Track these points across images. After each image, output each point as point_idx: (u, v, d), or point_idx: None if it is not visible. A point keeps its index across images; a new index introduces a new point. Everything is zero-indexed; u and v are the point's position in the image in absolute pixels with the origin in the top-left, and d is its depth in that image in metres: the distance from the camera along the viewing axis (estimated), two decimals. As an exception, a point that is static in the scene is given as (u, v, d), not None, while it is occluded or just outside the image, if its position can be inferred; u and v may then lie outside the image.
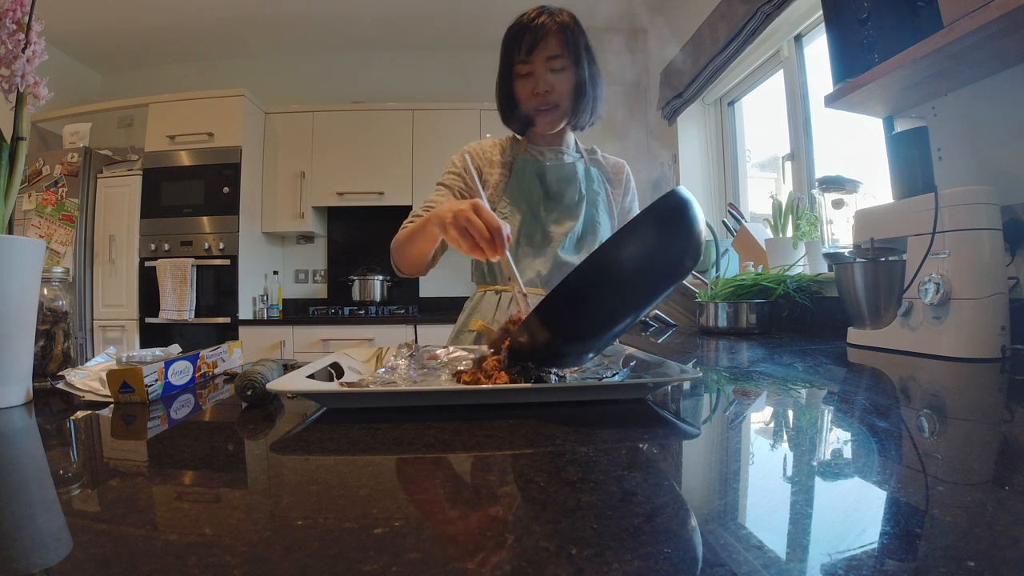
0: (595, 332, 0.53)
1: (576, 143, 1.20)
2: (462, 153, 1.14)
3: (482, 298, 1.14)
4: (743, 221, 1.99)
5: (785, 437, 0.44)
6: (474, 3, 2.95)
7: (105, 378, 0.55)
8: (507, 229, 0.72)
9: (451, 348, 0.74)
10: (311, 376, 0.55)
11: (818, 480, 0.32)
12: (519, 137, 1.18)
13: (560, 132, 1.14)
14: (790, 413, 0.52)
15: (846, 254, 1.04)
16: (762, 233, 1.84)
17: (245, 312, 2.88)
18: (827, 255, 1.19)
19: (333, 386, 0.54)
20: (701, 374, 0.55)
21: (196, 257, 2.80)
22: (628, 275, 0.47)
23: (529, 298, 0.72)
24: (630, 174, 1.23)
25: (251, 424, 0.48)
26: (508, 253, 0.73)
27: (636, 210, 1.24)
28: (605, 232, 1.14)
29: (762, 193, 2.46)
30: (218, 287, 2.83)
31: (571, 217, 1.11)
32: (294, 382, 0.52)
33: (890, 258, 0.96)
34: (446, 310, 2.99)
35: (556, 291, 0.47)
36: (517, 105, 1.08)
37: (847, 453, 0.39)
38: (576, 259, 1.09)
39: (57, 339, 0.67)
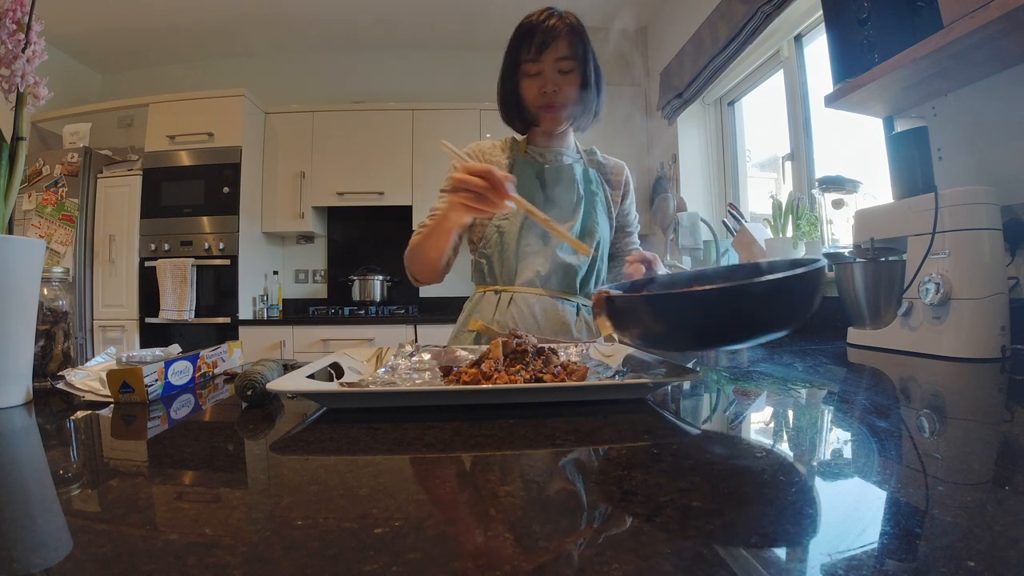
0: (696, 340, 0.55)
1: (576, 144, 1.21)
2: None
3: (482, 298, 1.14)
4: (743, 221, 1.99)
5: (785, 437, 0.44)
6: (474, 3, 2.94)
7: (105, 378, 0.55)
8: (500, 171, 0.73)
9: (451, 348, 0.74)
10: (311, 376, 0.55)
11: (818, 480, 0.32)
12: (518, 138, 1.18)
13: (561, 133, 1.15)
14: (790, 413, 0.52)
15: (846, 254, 1.04)
16: (762, 233, 1.84)
17: (245, 312, 2.88)
18: (827, 255, 1.19)
19: (333, 386, 0.54)
20: (701, 374, 0.55)
21: (196, 257, 2.79)
22: (754, 311, 0.49)
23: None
24: (629, 176, 1.24)
25: (251, 424, 0.48)
26: (515, 192, 0.74)
27: (634, 212, 1.24)
28: (603, 232, 1.14)
29: (762, 193, 2.46)
30: (218, 287, 2.83)
31: (569, 218, 1.11)
32: (294, 382, 0.52)
33: (890, 258, 0.96)
34: (446, 310, 2.98)
35: (693, 293, 0.50)
36: (522, 104, 1.09)
37: (847, 453, 0.38)
38: (574, 259, 1.09)
39: (57, 339, 0.67)
